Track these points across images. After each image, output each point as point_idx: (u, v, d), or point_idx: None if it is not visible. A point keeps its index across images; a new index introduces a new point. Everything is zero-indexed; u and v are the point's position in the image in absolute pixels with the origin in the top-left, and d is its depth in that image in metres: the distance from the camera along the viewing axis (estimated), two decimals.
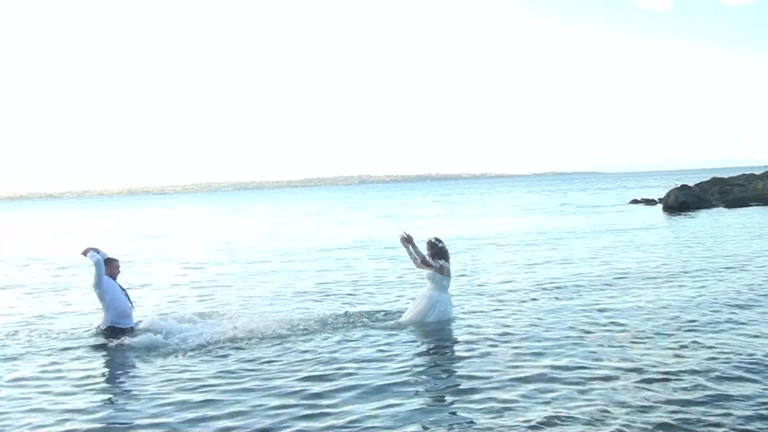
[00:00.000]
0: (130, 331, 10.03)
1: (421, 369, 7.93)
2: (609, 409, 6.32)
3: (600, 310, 10.75)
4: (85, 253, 10.20)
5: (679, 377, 7.16)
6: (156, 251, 25.12)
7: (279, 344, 9.20)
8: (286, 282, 15.53)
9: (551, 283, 13.69)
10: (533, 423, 6.04)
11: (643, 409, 6.30)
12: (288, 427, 6.21)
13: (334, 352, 8.73)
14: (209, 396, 7.14)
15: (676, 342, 8.63)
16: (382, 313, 11.08)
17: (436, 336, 9.45)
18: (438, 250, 10.15)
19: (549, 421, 6.06)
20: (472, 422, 6.15)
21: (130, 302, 10.35)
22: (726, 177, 49.16)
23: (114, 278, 10.27)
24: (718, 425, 5.91)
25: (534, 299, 11.95)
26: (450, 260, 10.28)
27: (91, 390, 7.59)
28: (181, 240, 31.43)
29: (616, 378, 7.21)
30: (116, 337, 9.70)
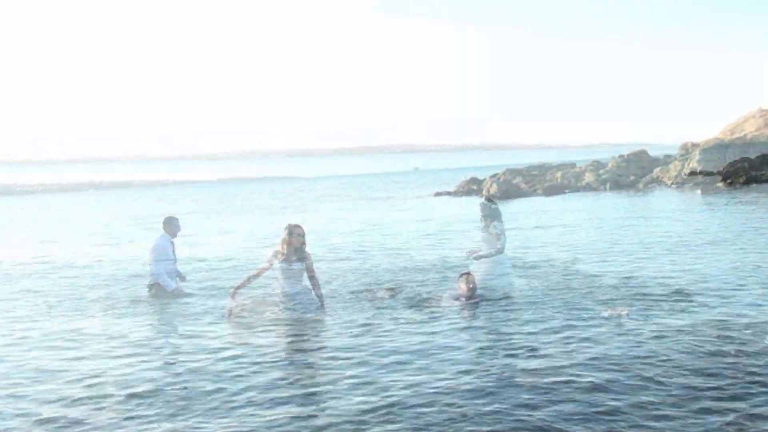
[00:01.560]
0: (175, 290, 10.57)
1: (479, 358, 6.95)
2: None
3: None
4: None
5: None
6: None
7: (291, 331, 8.47)
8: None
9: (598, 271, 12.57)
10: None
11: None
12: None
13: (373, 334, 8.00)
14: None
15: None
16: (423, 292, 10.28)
17: (497, 315, 8.75)
18: (491, 212, 10.09)
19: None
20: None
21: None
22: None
23: (173, 236, 10.85)
24: None
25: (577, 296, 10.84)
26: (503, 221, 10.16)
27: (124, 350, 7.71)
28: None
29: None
30: (162, 293, 10.43)
